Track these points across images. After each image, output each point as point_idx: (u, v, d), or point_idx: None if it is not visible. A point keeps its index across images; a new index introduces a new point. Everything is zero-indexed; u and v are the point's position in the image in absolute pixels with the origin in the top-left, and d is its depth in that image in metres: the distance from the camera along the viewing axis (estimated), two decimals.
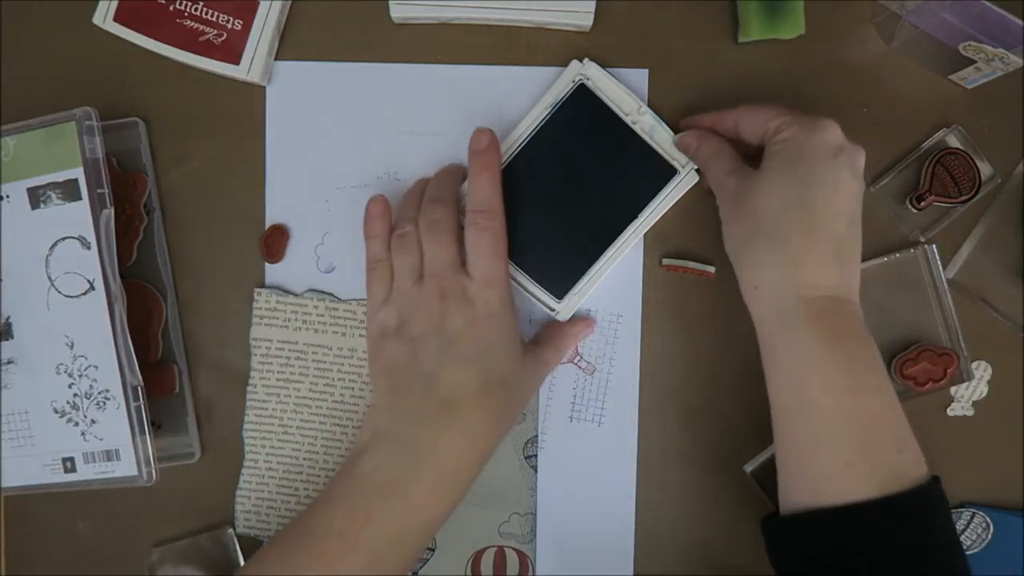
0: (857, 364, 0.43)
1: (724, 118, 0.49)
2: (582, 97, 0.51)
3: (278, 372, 0.53)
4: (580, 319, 0.53)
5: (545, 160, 0.51)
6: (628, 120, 0.51)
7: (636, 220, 0.51)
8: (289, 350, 0.53)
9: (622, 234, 0.51)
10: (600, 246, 0.51)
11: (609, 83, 0.51)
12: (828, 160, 0.44)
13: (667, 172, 0.51)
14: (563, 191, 0.51)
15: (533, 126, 0.51)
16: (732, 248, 0.47)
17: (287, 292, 0.53)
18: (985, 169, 0.52)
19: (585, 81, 0.51)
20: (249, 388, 0.53)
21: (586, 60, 0.51)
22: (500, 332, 0.47)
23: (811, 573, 0.43)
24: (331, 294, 0.53)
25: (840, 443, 0.42)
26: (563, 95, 0.51)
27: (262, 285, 0.54)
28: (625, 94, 0.51)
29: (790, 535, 0.45)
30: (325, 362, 0.53)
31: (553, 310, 0.51)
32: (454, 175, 0.51)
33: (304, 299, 0.53)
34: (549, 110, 0.51)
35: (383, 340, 0.48)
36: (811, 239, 0.43)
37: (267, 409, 0.53)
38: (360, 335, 0.53)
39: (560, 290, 0.51)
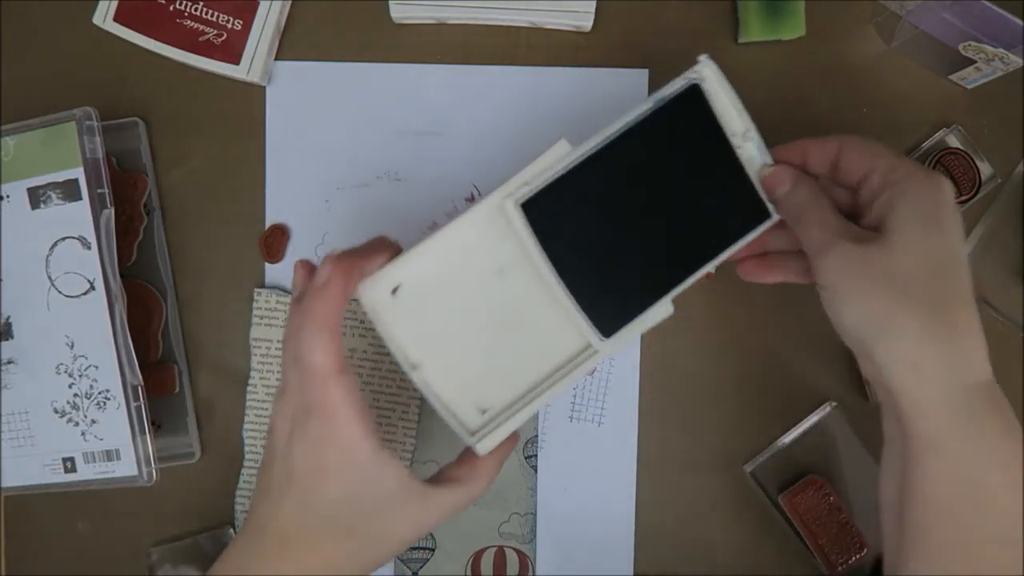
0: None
1: (825, 146, 0.41)
2: (690, 100, 0.41)
3: (278, 372, 0.53)
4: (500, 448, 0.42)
5: (630, 166, 0.41)
6: (733, 142, 0.42)
7: (711, 262, 0.42)
8: None
9: (692, 275, 0.42)
10: (665, 285, 0.41)
11: (723, 92, 0.41)
12: (959, 221, 0.39)
13: (759, 214, 0.42)
14: (640, 208, 0.41)
15: (627, 122, 0.41)
16: (863, 327, 0.39)
17: (287, 292, 0.53)
18: (985, 169, 0.52)
19: (700, 82, 0.41)
20: (249, 388, 0.53)
21: (704, 57, 0.41)
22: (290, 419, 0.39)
23: None
24: None
25: (1018, 543, 0.37)
26: (671, 93, 0.41)
27: (262, 285, 0.54)
28: (735, 111, 0.41)
29: None
30: None
31: (595, 350, 0.41)
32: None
33: None
34: (650, 107, 0.41)
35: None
36: (969, 309, 0.38)
37: (267, 409, 0.53)
38: (360, 335, 0.53)
39: (608, 326, 0.41)
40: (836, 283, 0.39)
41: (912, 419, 0.38)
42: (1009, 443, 0.38)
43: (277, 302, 0.53)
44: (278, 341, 0.53)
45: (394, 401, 0.53)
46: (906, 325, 0.37)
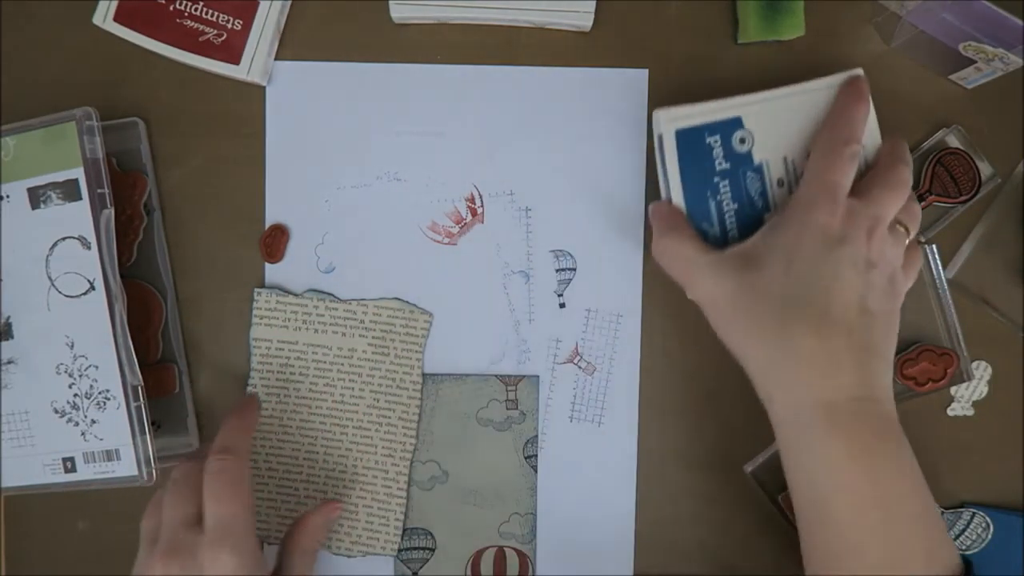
0: (883, 475, 0.41)
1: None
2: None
3: (278, 372, 0.53)
4: (321, 510, 0.50)
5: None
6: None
7: None
8: (289, 350, 0.53)
9: None
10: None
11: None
12: (825, 252, 0.41)
13: None
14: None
15: (790, 92, 0.46)
16: (732, 351, 0.44)
17: (287, 292, 0.53)
18: (985, 169, 0.52)
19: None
20: (249, 388, 0.53)
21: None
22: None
23: None
24: (331, 294, 0.53)
25: (867, 557, 0.40)
26: (836, 82, 0.46)
27: (262, 285, 0.54)
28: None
29: None
30: (325, 362, 0.53)
31: None
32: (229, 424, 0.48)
33: (304, 299, 0.53)
34: (814, 87, 0.46)
35: None
36: (819, 338, 0.40)
37: (267, 409, 0.53)
38: (360, 335, 0.53)
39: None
40: (707, 312, 0.44)
41: (776, 432, 0.43)
42: (850, 461, 0.40)
43: (277, 302, 0.53)
44: (279, 341, 0.53)
45: (394, 401, 0.53)
46: (756, 356, 0.42)
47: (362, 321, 0.53)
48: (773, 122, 0.46)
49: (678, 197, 0.46)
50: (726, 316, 0.43)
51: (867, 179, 0.44)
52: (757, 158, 0.46)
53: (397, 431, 0.53)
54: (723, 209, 0.46)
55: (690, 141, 0.45)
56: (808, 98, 0.46)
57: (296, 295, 0.53)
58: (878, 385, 0.42)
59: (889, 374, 0.42)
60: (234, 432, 0.46)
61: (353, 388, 0.53)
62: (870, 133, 0.46)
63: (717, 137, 0.46)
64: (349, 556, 0.54)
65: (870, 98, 0.45)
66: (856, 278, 0.41)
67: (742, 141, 0.46)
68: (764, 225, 0.44)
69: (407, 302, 0.53)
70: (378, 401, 0.53)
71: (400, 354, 0.53)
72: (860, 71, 0.46)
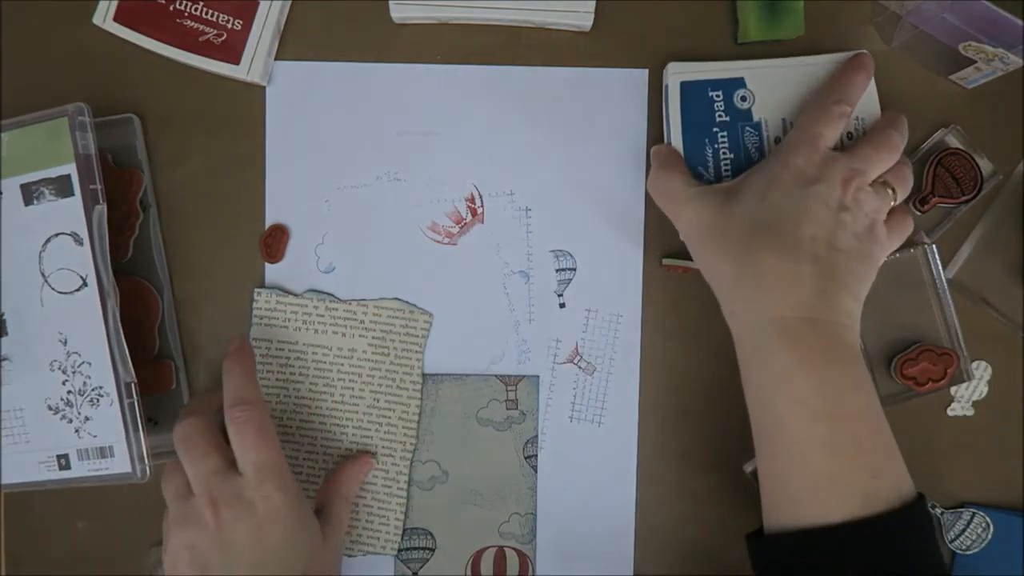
0: (831, 387, 0.42)
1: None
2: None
3: (278, 372, 0.53)
4: (356, 461, 0.52)
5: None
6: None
7: None
8: (289, 350, 0.53)
9: None
10: None
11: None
12: (798, 190, 0.44)
13: None
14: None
15: (795, 64, 0.49)
16: (704, 274, 0.47)
17: (287, 292, 0.53)
18: (986, 167, 0.52)
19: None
20: None
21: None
22: (289, 528, 0.45)
23: None
24: (331, 294, 0.53)
25: (811, 467, 0.42)
26: (841, 58, 0.49)
27: (262, 285, 0.54)
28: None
29: (766, 553, 0.45)
30: (325, 362, 0.53)
31: None
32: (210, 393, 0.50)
33: (304, 299, 0.53)
34: (819, 62, 0.49)
35: (172, 558, 0.45)
36: (783, 260, 0.43)
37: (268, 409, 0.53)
38: (360, 335, 0.53)
39: None
40: (687, 239, 0.48)
41: (736, 349, 0.46)
42: (800, 371, 0.42)
43: (277, 302, 0.53)
44: (279, 341, 0.53)
45: (394, 401, 0.53)
46: (723, 272, 0.45)
47: (362, 321, 0.53)
48: (774, 86, 0.50)
49: (677, 141, 0.50)
50: (703, 239, 0.46)
51: (857, 140, 0.47)
52: (756, 116, 0.50)
53: (397, 431, 0.53)
54: (719, 156, 0.50)
55: (693, 93, 0.50)
56: (811, 69, 0.50)
57: (296, 295, 0.53)
58: (840, 311, 0.43)
59: (853, 305, 0.44)
60: (242, 380, 0.47)
61: (353, 388, 0.53)
62: (870, 106, 0.49)
63: (720, 92, 0.50)
64: (349, 555, 0.54)
65: (871, 72, 0.48)
66: (827, 215, 0.43)
67: (743, 99, 0.49)
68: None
69: (407, 302, 0.53)
70: (378, 401, 0.53)
71: (400, 354, 0.53)
72: (866, 52, 0.49)
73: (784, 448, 0.43)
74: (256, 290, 0.53)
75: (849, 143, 0.48)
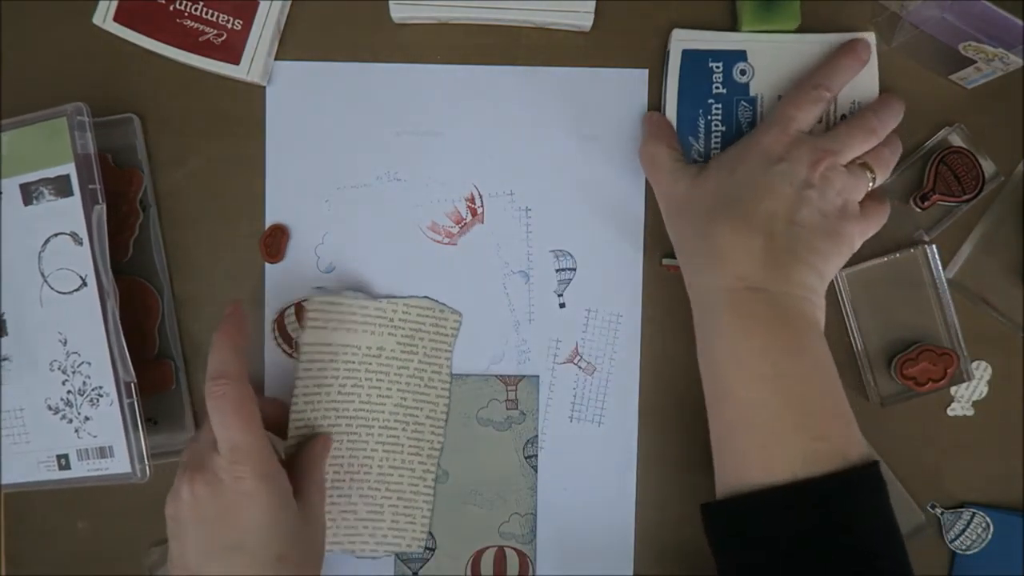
0: (774, 352, 0.44)
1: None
2: None
3: (315, 377, 0.52)
4: (315, 443, 0.50)
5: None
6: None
7: None
8: (325, 352, 0.52)
9: None
10: None
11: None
12: (763, 167, 0.46)
13: None
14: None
15: (797, 40, 0.50)
16: (673, 243, 0.50)
17: (327, 292, 0.52)
18: (988, 167, 0.52)
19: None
20: (295, 399, 0.51)
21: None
22: (262, 510, 0.44)
23: (727, 552, 0.45)
24: (362, 291, 0.53)
25: (755, 428, 0.44)
26: (839, 40, 0.50)
27: (262, 285, 0.54)
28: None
29: (713, 519, 0.46)
30: (354, 362, 0.52)
31: None
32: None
33: (341, 298, 0.52)
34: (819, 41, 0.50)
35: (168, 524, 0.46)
36: (737, 233, 0.44)
37: (301, 416, 0.52)
38: (389, 333, 0.53)
39: None
40: (663, 209, 0.50)
41: (693, 319, 0.48)
42: (744, 337, 0.44)
43: (321, 303, 0.51)
44: (320, 343, 0.52)
45: (422, 400, 0.53)
46: (685, 243, 0.48)
47: (391, 320, 0.53)
48: (775, 61, 0.51)
49: (672, 109, 0.51)
50: (672, 210, 0.49)
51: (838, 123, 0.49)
52: (753, 90, 0.51)
53: (424, 429, 0.53)
54: (711, 128, 0.51)
55: (694, 61, 0.51)
56: (813, 47, 0.50)
57: (334, 294, 0.52)
58: (793, 283, 0.44)
59: (813, 279, 0.45)
60: (225, 354, 0.45)
61: (380, 387, 0.53)
62: (869, 91, 0.51)
63: (720, 64, 0.51)
64: (375, 557, 0.53)
65: (863, 59, 0.49)
66: (790, 192, 0.45)
67: (742, 73, 0.50)
68: None
69: (437, 301, 0.53)
70: (405, 400, 0.53)
71: (429, 353, 0.53)
72: (872, 34, 0.51)
73: (729, 410, 0.45)
74: (313, 289, 0.53)
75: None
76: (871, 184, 0.48)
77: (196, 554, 0.44)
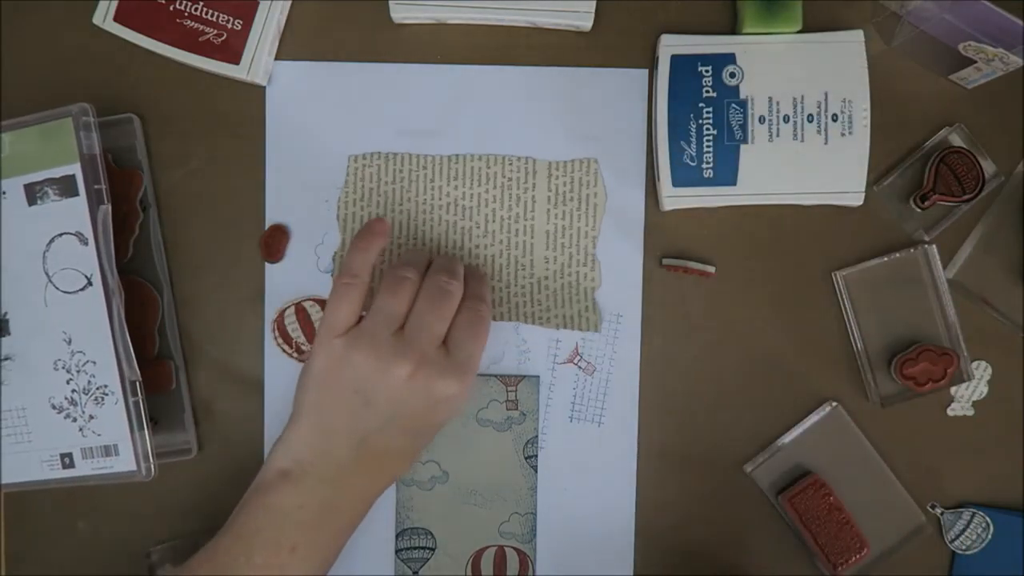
0: None
1: None
2: None
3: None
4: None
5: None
6: None
7: None
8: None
9: None
10: None
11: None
12: None
13: None
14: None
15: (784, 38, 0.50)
16: None
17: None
18: (988, 167, 0.52)
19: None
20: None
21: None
22: (447, 414, 0.47)
23: None
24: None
25: None
26: (834, 40, 0.51)
27: (262, 285, 0.54)
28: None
29: None
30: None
31: None
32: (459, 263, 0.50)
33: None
34: (810, 39, 0.51)
35: (330, 373, 0.46)
36: None
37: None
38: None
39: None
40: None
41: None
42: None
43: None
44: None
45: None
46: None
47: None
48: (764, 63, 0.50)
49: (663, 114, 0.50)
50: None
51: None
52: (743, 93, 0.50)
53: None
54: (703, 132, 0.50)
55: (683, 67, 0.50)
56: (802, 48, 0.50)
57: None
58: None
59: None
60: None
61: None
62: (859, 90, 0.50)
63: (709, 68, 0.50)
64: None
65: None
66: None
67: (732, 75, 0.50)
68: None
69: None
70: None
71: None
72: (860, 32, 0.50)
73: None
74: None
75: None
76: None
77: (376, 426, 0.45)
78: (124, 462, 0.49)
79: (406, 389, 0.45)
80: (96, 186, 0.49)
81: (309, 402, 0.46)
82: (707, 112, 0.50)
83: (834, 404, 0.53)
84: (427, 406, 0.46)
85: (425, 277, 0.47)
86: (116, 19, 0.51)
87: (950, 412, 0.54)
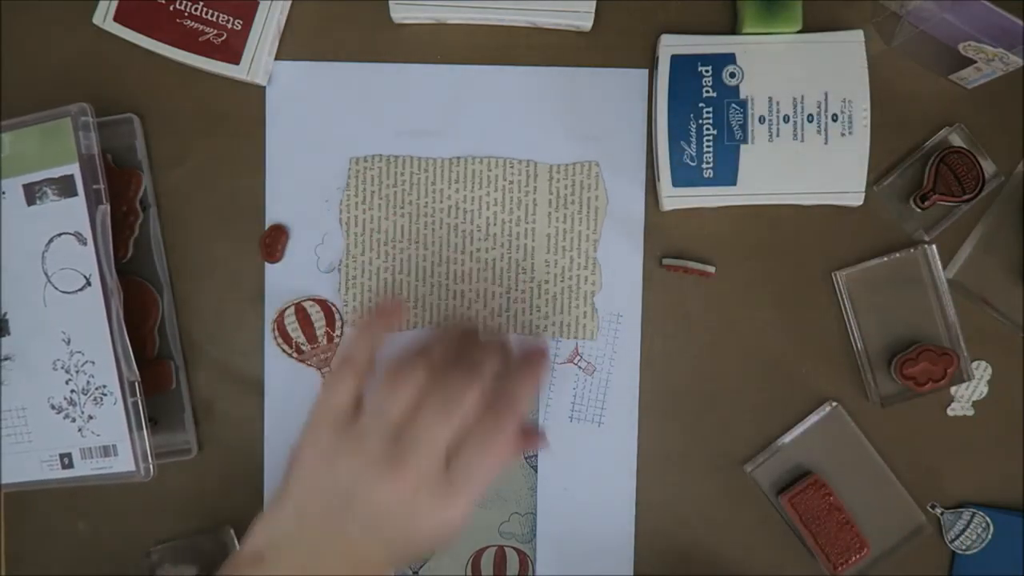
0: None
1: None
2: None
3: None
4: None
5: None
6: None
7: None
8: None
9: None
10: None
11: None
12: None
13: None
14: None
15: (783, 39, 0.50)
16: None
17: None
18: (988, 167, 0.52)
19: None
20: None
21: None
22: (434, 541, 0.40)
23: None
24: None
25: None
26: (835, 40, 0.50)
27: (262, 285, 0.54)
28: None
29: None
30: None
31: None
32: (495, 348, 0.42)
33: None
34: (810, 39, 0.50)
35: (314, 469, 0.40)
36: None
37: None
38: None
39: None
40: None
41: None
42: None
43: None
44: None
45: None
46: None
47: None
48: (764, 63, 0.50)
49: (663, 114, 0.50)
50: None
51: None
52: (743, 93, 0.50)
53: None
54: (703, 132, 0.50)
55: (683, 67, 0.50)
56: (802, 48, 0.50)
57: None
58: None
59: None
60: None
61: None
62: (859, 90, 0.50)
63: (709, 68, 0.50)
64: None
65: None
66: None
67: (732, 75, 0.50)
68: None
69: None
70: None
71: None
72: (860, 32, 0.50)
73: None
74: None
75: None
76: None
77: (357, 530, 0.39)
78: (123, 462, 0.49)
79: (393, 505, 0.38)
80: (95, 186, 0.49)
81: (293, 485, 0.41)
82: (707, 112, 0.50)
83: (834, 404, 0.53)
84: (413, 527, 0.39)
85: (443, 367, 0.40)
86: (116, 19, 0.51)
87: (950, 412, 0.54)
